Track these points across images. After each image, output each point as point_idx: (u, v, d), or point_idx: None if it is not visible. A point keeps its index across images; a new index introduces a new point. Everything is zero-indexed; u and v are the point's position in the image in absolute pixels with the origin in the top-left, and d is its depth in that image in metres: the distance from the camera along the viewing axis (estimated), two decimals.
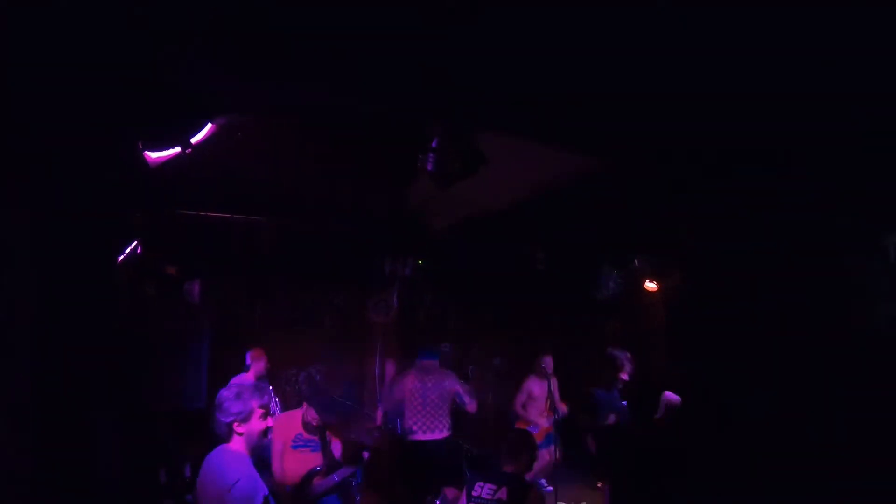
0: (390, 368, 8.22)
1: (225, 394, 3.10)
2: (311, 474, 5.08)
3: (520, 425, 7.85)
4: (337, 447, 5.27)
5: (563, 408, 7.64)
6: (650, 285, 7.73)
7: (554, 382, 7.74)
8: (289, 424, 5.26)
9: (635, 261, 7.45)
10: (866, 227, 2.54)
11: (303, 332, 8.43)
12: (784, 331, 2.63)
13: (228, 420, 3.05)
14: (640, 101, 2.76)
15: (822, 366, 2.45)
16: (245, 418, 3.06)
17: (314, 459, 5.13)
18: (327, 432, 5.25)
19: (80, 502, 3.10)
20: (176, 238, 6.16)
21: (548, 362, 7.81)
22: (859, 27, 2.28)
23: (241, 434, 3.07)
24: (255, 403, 3.09)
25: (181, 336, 6.57)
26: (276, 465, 5.20)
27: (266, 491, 3.10)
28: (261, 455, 6.35)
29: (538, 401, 7.75)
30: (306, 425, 5.18)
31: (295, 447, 5.17)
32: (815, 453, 2.43)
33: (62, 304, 3.04)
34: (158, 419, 5.67)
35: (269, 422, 3.20)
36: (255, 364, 6.80)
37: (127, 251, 5.46)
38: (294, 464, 5.13)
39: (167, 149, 3.50)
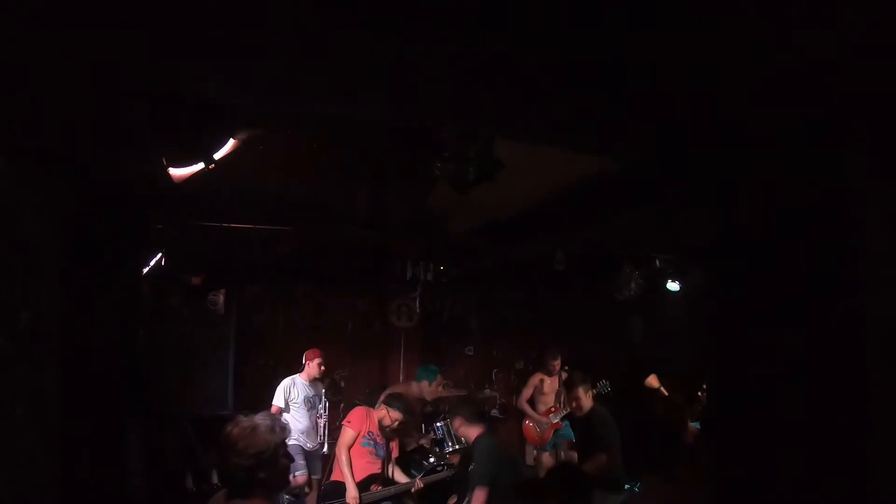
0: None
1: (235, 431, 2.43)
2: (371, 479, 5.21)
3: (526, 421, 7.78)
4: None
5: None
6: (672, 285, 7.63)
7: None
8: (366, 419, 5.40)
9: (657, 261, 7.37)
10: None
11: (326, 338, 8.46)
12: (807, 325, 2.57)
13: (248, 463, 2.38)
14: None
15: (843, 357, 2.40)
16: (269, 458, 2.42)
17: (374, 464, 5.29)
18: (393, 442, 5.40)
19: None
20: (199, 249, 6.25)
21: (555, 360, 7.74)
22: None
23: (262, 478, 2.41)
24: (275, 438, 2.46)
25: (206, 343, 6.67)
26: (341, 450, 5.20)
27: None
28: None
29: (547, 396, 7.70)
30: (383, 427, 5.33)
31: (364, 444, 5.31)
32: (838, 449, 2.39)
33: (87, 314, 3.11)
34: (184, 425, 5.76)
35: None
36: (308, 363, 6.65)
37: (152, 263, 5.57)
38: (355, 458, 5.24)
39: (191, 164, 3.53)
